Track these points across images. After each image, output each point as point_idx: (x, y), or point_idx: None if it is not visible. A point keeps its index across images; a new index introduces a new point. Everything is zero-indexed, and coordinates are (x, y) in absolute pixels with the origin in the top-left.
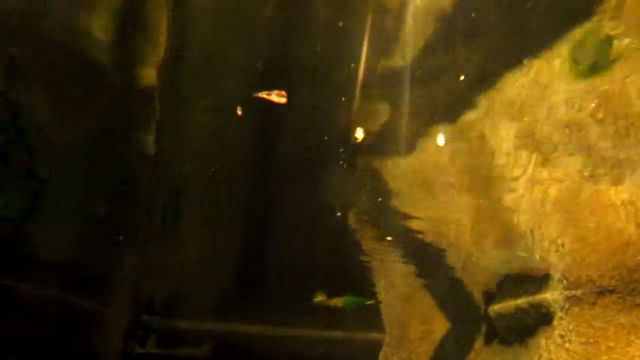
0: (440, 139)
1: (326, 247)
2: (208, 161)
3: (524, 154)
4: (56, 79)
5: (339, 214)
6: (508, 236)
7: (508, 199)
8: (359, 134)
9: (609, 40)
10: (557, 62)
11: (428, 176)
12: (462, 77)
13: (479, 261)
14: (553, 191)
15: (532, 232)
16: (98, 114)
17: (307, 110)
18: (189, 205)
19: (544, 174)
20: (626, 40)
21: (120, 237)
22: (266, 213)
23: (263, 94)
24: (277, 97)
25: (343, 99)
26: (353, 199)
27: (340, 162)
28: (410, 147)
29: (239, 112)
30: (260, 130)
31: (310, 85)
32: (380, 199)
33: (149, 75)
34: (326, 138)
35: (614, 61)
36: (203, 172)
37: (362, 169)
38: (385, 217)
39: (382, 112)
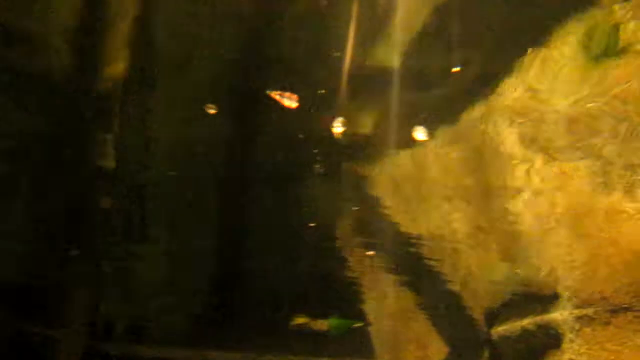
0: (420, 134)
1: (308, 263)
2: (175, 169)
3: (528, 159)
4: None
5: (322, 226)
6: (512, 250)
7: (511, 209)
8: (339, 128)
9: (617, 27)
10: (564, 54)
11: (422, 183)
12: (455, 69)
13: (480, 278)
14: (560, 200)
15: (538, 245)
16: (49, 120)
17: (284, 111)
18: (153, 219)
19: (551, 181)
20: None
21: (75, 253)
22: (241, 226)
23: (275, 94)
24: (289, 100)
25: (325, 98)
26: (338, 210)
27: (324, 169)
28: (402, 152)
29: (211, 110)
30: (234, 133)
31: (288, 84)
32: (368, 210)
33: (109, 76)
34: (307, 142)
35: (624, 50)
36: (170, 181)
37: (347, 176)
38: (375, 230)
39: (370, 113)
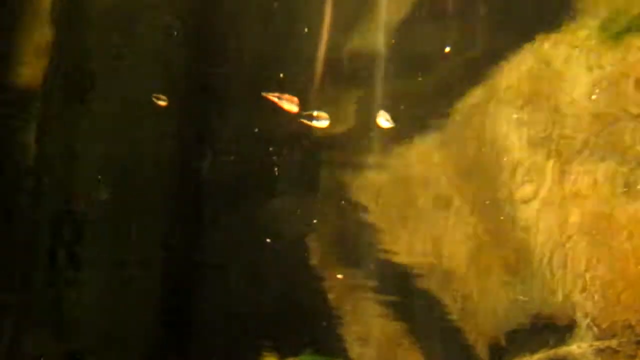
0: (383, 120)
1: (277, 288)
2: (112, 178)
3: (538, 160)
4: None
5: (294, 245)
6: (520, 270)
7: (517, 222)
8: (319, 121)
9: None
10: (580, 33)
11: (413, 191)
12: (447, 49)
13: (483, 303)
14: (577, 209)
15: (550, 263)
16: None
17: (248, 106)
18: (88, 238)
19: (566, 185)
20: None
21: None
22: (195, 244)
23: (274, 96)
24: (288, 103)
25: (298, 90)
26: (313, 225)
27: (296, 177)
28: (388, 153)
29: (162, 102)
30: (185, 135)
31: (253, 74)
32: (349, 223)
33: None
34: (275, 142)
35: None
36: (104, 191)
37: (325, 184)
38: (357, 247)
39: (351, 108)
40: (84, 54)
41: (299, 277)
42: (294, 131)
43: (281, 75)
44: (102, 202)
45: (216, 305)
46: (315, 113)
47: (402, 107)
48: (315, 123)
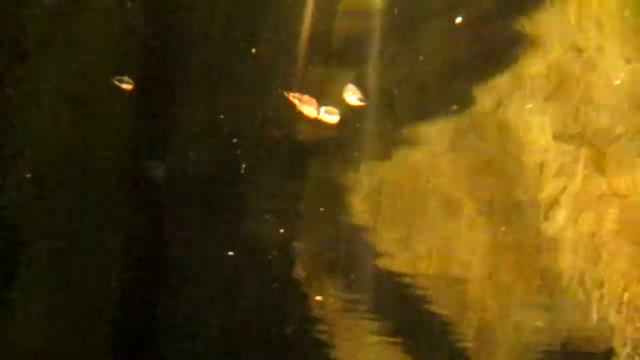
0: (351, 96)
1: (254, 306)
2: (56, 182)
3: (567, 156)
4: None
5: (274, 255)
6: (546, 287)
7: (543, 231)
8: (330, 117)
9: None
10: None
11: (418, 192)
12: (458, 20)
13: (502, 328)
14: (614, 213)
15: (582, 280)
16: None
17: (218, 91)
18: (25, 259)
19: (600, 186)
20: None
21: None
22: (156, 257)
23: (294, 97)
24: (307, 106)
25: (279, 71)
26: (298, 232)
27: (278, 174)
28: (389, 147)
29: (126, 86)
30: (141, 130)
31: (221, 50)
32: (341, 232)
33: None
34: (252, 135)
35: None
36: (46, 201)
37: (312, 182)
38: (352, 259)
39: (340, 93)
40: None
41: (283, 295)
42: (282, 131)
43: (253, 50)
44: (42, 209)
45: (179, 333)
46: (324, 108)
47: (398, 92)
48: (324, 118)
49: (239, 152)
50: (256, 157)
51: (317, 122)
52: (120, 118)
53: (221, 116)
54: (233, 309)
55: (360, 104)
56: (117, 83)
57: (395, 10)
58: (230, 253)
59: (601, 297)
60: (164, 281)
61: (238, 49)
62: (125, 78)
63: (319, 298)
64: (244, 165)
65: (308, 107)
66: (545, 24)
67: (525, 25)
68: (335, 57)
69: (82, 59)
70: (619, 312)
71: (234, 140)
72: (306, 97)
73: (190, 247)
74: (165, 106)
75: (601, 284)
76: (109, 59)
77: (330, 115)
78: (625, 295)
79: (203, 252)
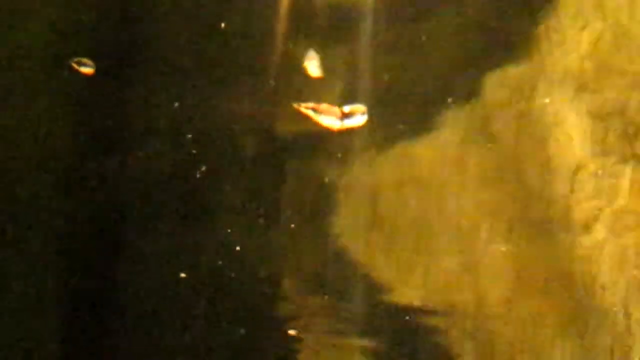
0: (313, 66)
1: (234, 332)
2: None
3: (609, 161)
4: None
5: (247, 277)
6: (580, 320)
7: (578, 247)
8: (357, 118)
9: None
10: None
11: (420, 202)
12: None
13: None
14: None
15: (625, 311)
16: None
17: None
18: None
19: None
20: None
21: None
22: (103, 268)
23: (307, 108)
24: (328, 117)
25: (254, 51)
26: (282, 247)
27: (249, 176)
28: (388, 143)
29: (85, 69)
30: (99, 116)
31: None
32: (328, 250)
33: None
34: (220, 130)
35: None
36: None
37: (295, 186)
38: (344, 281)
39: (333, 77)
40: None
41: (268, 323)
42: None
43: (222, 25)
44: None
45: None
46: (347, 108)
47: (408, 80)
48: (348, 123)
49: (203, 149)
50: (226, 155)
51: (299, 117)
52: (75, 105)
53: (189, 107)
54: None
55: (321, 75)
56: (75, 66)
57: None
58: (183, 275)
59: None
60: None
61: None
62: (86, 60)
63: (292, 332)
64: (203, 168)
65: (328, 118)
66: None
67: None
68: (321, 35)
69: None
70: None
71: (199, 136)
72: (324, 106)
73: (141, 263)
74: (126, 93)
75: None
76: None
77: (356, 117)
78: None
79: (155, 268)
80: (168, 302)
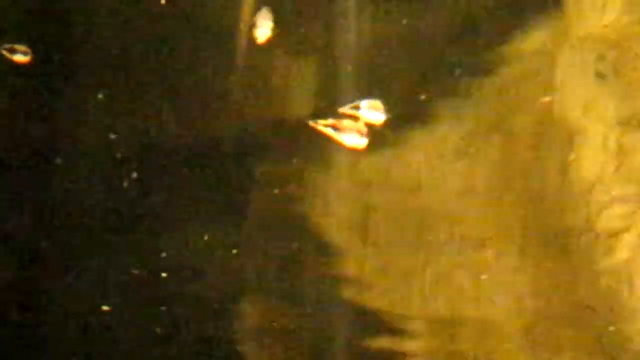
0: (263, 27)
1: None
2: None
3: (634, 165)
4: None
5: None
6: (606, 347)
7: (601, 266)
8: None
9: None
10: None
11: (418, 210)
12: None
13: None
14: None
15: None
16: None
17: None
18: None
19: None
20: None
21: None
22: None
23: (326, 126)
24: (352, 135)
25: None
26: (254, 267)
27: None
28: (379, 142)
29: (19, 58)
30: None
31: None
32: (310, 266)
33: None
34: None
35: None
36: None
37: (265, 191)
38: (325, 305)
39: (309, 67)
40: None
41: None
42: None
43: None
44: None
45: None
46: (362, 103)
47: (398, 71)
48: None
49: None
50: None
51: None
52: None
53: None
54: None
55: (270, 35)
56: (6, 53)
57: None
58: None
59: None
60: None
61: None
62: (20, 47)
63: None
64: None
65: (351, 136)
66: None
67: None
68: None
69: None
70: None
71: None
72: (346, 122)
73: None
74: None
75: None
76: None
77: (373, 115)
78: None
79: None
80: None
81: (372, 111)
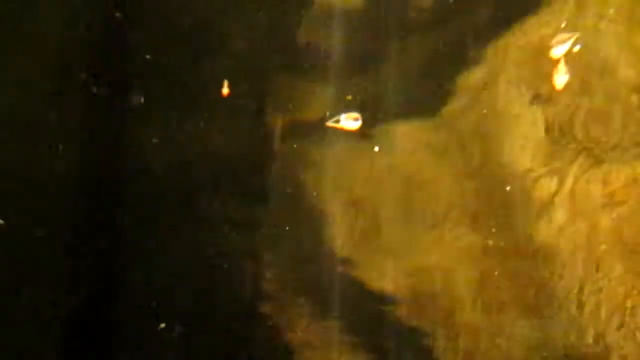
0: None
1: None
2: None
3: (563, 152)
4: None
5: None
6: (539, 301)
7: (536, 238)
8: (350, 123)
9: None
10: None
11: (392, 196)
12: None
13: (491, 351)
14: (611, 218)
15: (578, 292)
16: None
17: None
18: None
19: (596, 186)
20: None
21: None
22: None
23: (336, 123)
24: (349, 121)
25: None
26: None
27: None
28: (360, 144)
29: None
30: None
31: None
32: (306, 242)
33: None
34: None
35: None
36: None
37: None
38: (317, 274)
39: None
40: None
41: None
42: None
43: None
44: None
45: None
46: (343, 116)
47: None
48: (344, 125)
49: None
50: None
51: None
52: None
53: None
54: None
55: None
56: None
57: None
58: None
59: (598, 312)
60: None
61: None
62: None
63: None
64: None
65: (349, 123)
66: None
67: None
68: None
69: None
70: (617, 328)
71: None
72: (346, 116)
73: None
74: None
75: (598, 298)
76: None
77: (349, 122)
78: (625, 309)
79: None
80: None
81: (349, 120)
